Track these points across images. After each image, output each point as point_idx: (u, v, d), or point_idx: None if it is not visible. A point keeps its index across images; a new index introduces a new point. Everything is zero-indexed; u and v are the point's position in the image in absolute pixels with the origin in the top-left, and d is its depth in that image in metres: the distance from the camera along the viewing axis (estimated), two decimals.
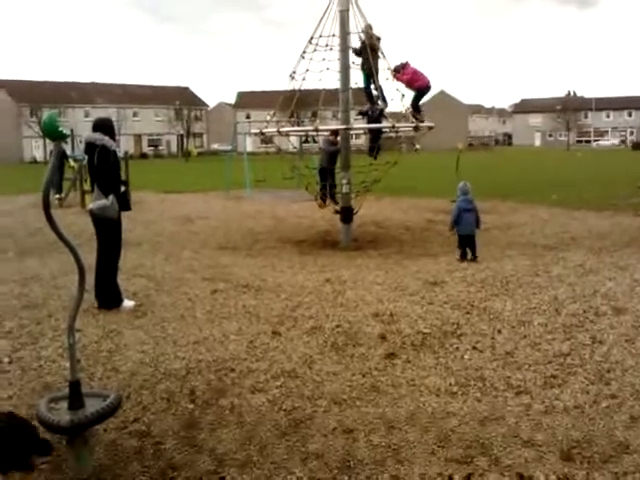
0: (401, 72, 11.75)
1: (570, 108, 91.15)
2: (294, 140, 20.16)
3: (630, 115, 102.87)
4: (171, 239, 12.48)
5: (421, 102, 12.16)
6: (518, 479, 3.47)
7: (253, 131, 13.88)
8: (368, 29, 11.63)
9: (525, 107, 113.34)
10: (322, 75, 11.86)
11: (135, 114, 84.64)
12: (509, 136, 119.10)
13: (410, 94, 11.92)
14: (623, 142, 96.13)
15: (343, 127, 11.93)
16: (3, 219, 15.80)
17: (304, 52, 11.87)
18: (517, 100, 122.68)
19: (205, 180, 31.15)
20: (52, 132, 3.64)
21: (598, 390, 4.57)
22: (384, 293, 7.43)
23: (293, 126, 16.64)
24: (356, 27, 11.76)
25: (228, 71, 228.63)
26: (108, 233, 7.11)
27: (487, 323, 6.17)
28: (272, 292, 7.63)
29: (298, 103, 13.09)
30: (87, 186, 18.09)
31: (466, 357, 5.34)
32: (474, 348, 5.54)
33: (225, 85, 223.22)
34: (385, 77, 11.93)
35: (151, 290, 7.84)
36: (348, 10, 11.59)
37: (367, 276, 8.43)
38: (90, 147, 7.02)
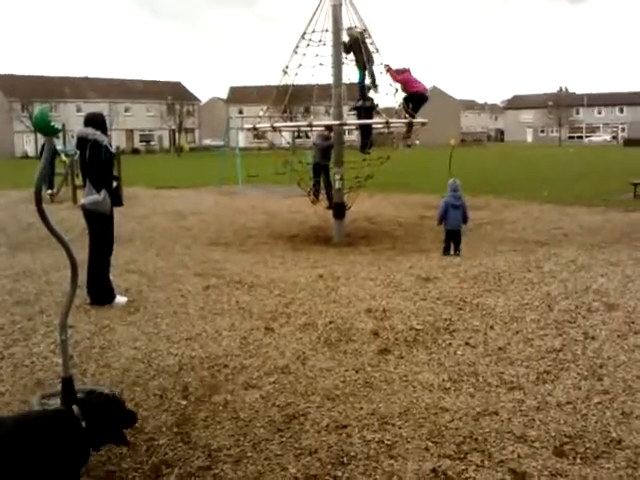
0: (399, 73, 11.85)
1: (562, 104, 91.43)
2: (287, 135, 20.16)
3: (622, 111, 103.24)
4: (163, 234, 12.45)
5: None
6: (511, 475, 3.48)
7: (246, 126, 13.88)
8: (352, 31, 11.69)
9: (517, 103, 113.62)
10: (315, 70, 11.88)
11: (127, 109, 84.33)
12: (501, 132, 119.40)
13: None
14: (615, 138, 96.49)
15: (337, 123, 11.93)
16: None
17: (297, 47, 11.86)
18: (509, 96, 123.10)
19: (197, 175, 31.06)
20: (44, 127, 3.62)
21: (590, 386, 4.59)
22: (377, 289, 7.44)
23: (286, 121, 16.61)
24: (349, 22, 11.77)
25: (220, 66, 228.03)
26: (100, 229, 7.08)
27: (480, 319, 6.18)
28: (265, 288, 7.62)
29: (291, 98, 13.09)
30: (79, 181, 18.03)
31: (459, 353, 5.35)
32: (467, 344, 5.55)
33: (217, 80, 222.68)
34: (379, 71, 11.98)
35: (143, 286, 7.81)
36: (341, 5, 11.59)
37: (360, 272, 8.43)
38: (82, 142, 6.98)
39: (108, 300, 6.98)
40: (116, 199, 7.19)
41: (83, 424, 3.03)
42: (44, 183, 17.12)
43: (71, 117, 58.33)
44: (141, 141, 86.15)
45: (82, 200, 7.27)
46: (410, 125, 12.10)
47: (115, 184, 7.21)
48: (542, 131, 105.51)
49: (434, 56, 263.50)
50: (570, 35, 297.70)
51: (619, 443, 3.76)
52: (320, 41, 11.81)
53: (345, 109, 12.50)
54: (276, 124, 12.59)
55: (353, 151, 13.89)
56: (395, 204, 17.48)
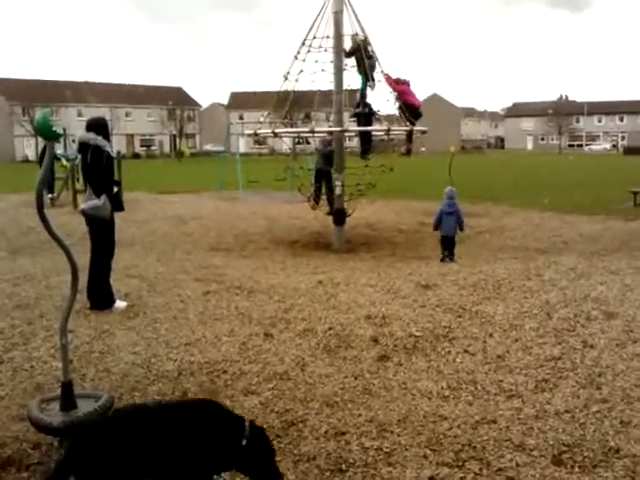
0: (399, 83, 11.93)
1: (562, 112, 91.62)
2: (287, 141, 20.18)
3: (622, 120, 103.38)
4: (164, 240, 12.46)
5: None
6: None
7: (247, 132, 13.89)
8: (355, 38, 11.74)
9: (517, 111, 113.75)
10: (316, 77, 11.91)
11: (128, 114, 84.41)
12: (501, 139, 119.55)
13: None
14: (615, 146, 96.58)
15: (339, 129, 11.95)
16: None
17: (298, 53, 11.90)
18: (509, 104, 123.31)
19: (198, 181, 31.10)
20: (46, 131, 3.63)
21: (589, 394, 4.59)
22: (377, 296, 7.44)
23: (286, 127, 16.64)
24: (350, 29, 11.81)
25: (221, 72, 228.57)
26: (101, 233, 7.09)
27: (479, 327, 6.19)
28: (265, 294, 7.63)
29: (291, 104, 13.13)
30: (79, 186, 18.05)
31: (458, 360, 5.35)
32: (466, 351, 5.55)
33: (218, 86, 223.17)
34: (377, 79, 12.03)
35: (143, 291, 7.82)
36: (342, 12, 11.63)
37: (360, 278, 8.43)
38: (83, 147, 7.00)
39: (108, 305, 6.99)
40: (117, 204, 7.20)
41: (243, 442, 3.01)
42: (45, 188, 17.14)
43: (72, 121, 58.34)
44: (142, 146, 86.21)
45: (82, 205, 7.28)
46: (410, 133, 12.14)
47: (116, 189, 7.22)
48: (542, 139, 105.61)
49: (435, 63, 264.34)
50: (571, 43, 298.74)
51: (617, 452, 3.76)
52: (320, 47, 11.85)
53: (346, 115, 12.52)
54: (277, 130, 12.61)
55: (354, 157, 13.90)
56: (396, 211, 17.49)
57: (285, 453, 3.84)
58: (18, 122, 71.87)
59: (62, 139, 23.36)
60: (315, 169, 14.66)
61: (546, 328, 6.08)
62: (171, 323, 6.48)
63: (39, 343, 5.86)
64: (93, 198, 6.93)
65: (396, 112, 12.29)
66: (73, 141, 27.55)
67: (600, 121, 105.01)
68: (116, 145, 66.88)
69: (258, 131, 12.81)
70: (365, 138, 12.95)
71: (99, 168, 6.89)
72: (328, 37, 11.76)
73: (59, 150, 21.69)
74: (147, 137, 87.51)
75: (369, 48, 11.89)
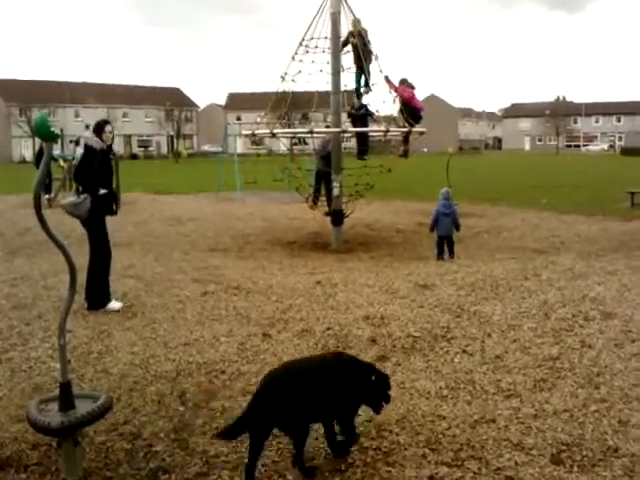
0: (403, 87, 11.92)
1: (559, 113, 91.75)
2: (285, 142, 20.19)
3: (619, 120, 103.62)
4: (161, 240, 12.44)
5: None
6: None
7: (245, 132, 13.87)
8: (356, 23, 11.70)
9: (515, 111, 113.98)
10: (313, 77, 11.91)
11: (125, 114, 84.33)
12: (499, 140, 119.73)
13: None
14: (612, 147, 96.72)
15: (337, 130, 11.94)
16: None
17: (295, 54, 11.90)
18: (507, 104, 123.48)
19: (195, 181, 31.09)
20: (44, 132, 3.62)
21: (587, 394, 4.60)
22: (375, 296, 7.44)
23: (284, 128, 16.64)
24: (348, 29, 11.81)
25: (219, 72, 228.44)
26: (91, 233, 7.11)
27: (477, 327, 6.19)
28: (263, 294, 7.63)
29: (289, 105, 13.13)
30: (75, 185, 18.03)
31: (456, 360, 5.36)
32: (464, 351, 5.55)
33: (216, 86, 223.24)
34: (373, 83, 12.03)
35: (141, 291, 7.81)
36: (340, 13, 11.63)
37: (358, 279, 8.43)
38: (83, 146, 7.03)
39: (101, 304, 6.98)
40: (105, 206, 7.13)
41: (373, 378, 3.80)
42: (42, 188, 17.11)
43: (69, 122, 58.43)
44: (139, 147, 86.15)
45: (62, 200, 7.31)
46: (407, 134, 12.14)
47: (104, 191, 7.05)
48: (540, 140, 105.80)
49: (432, 64, 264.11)
50: (568, 44, 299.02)
51: (616, 451, 3.77)
52: (317, 47, 11.85)
53: (343, 116, 12.52)
54: (274, 130, 12.60)
55: (352, 158, 13.90)
56: (394, 211, 17.50)
57: (284, 453, 3.84)
58: (15, 123, 71.82)
59: (59, 140, 23.36)
60: (315, 170, 14.64)
61: (544, 328, 6.09)
62: (169, 323, 6.48)
63: (37, 344, 5.85)
64: (74, 195, 6.97)
65: (393, 113, 12.31)
66: (70, 142, 27.55)
67: (597, 122, 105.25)
68: (114, 146, 66.88)
69: (256, 131, 12.81)
70: (362, 139, 12.95)
71: (86, 166, 6.91)
72: (326, 38, 11.77)
73: (56, 151, 21.69)
74: (144, 138, 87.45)
75: (367, 38, 11.85)
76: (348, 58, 12.05)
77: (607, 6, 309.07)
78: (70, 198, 6.93)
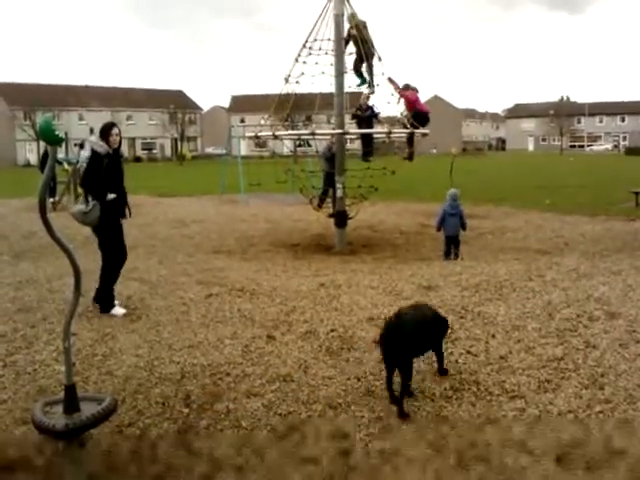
0: (408, 91, 11.94)
1: (563, 113, 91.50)
2: (288, 144, 20.20)
3: (623, 120, 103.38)
4: (165, 242, 12.46)
5: None
6: None
7: (248, 134, 13.89)
8: (351, 17, 11.71)
9: (518, 112, 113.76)
10: (316, 79, 11.91)
11: (129, 117, 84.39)
12: (503, 141, 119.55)
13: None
14: (616, 147, 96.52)
15: (340, 132, 11.95)
16: None
17: (299, 56, 11.91)
18: (510, 105, 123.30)
19: (199, 184, 31.12)
20: (48, 136, 3.63)
21: (592, 395, 4.59)
22: (379, 297, 7.44)
23: (287, 130, 16.65)
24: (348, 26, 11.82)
25: (222, 75, 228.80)
26: (100, 239, 7.10)
27: (481, 327, 6.19)
28: (267, 296, 7.63)
29: (292, 107, 13.13)
30: (81, 190, 18.07)
31: (460, 361, 5.35)
32: (468, 352, 5.55)
33: (219, 89, 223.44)
34: (377, 83, 12.03)
35: (145, 294, 7.83)
36: (343, 15, 11.64)
37: (361, 280, 8.43)
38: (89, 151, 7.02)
39: (105, 309, 6.99)
40: (117, 211, 7.11)
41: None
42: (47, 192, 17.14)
43: (73, 125, 58.50)
44: (143, 149, 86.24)
45: (72, 209, 7.26)
46: (411, 137, 12.13)
47: (113, 196, 7.02)
48: (543, 140, 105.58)
49: (436, 65, 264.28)
50: (571, 44, 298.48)
51: (621, 452, 3.76)
52: (320, 49, 11.86)
53: (347, 118, 12.53)
54: (277, 132, 12.61)
55: (356, 160, 13.91)
56: (397, 212, 17.50)
57: (288, 455, 3.85)
58: (20, 126, 71.88)
59: (63, 143, 23.39)
60: (324, 172, 14.63)
61: (548, 329, 6.08)
62: (173, 326, 6.49)
63: (42, 346, 5.86)
64: (83, 202, 6.92)
65: (397, 114, 12.31)
66: (74, 145, 27.60)
67: (601, 122, 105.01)
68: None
69: (259, 133, 12.82)
70: (367, 140, 12.96)
71: (92, 171, 6.87)
72: (329, 40, 11.78)
73: (61, 154, 21.73)
74: (148, 140, 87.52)
75: (365, 31, 11.84)
76: (352, 60, 12.06)
77: (609, 5, 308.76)
78: (79, 206, 6.89)
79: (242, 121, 74.65)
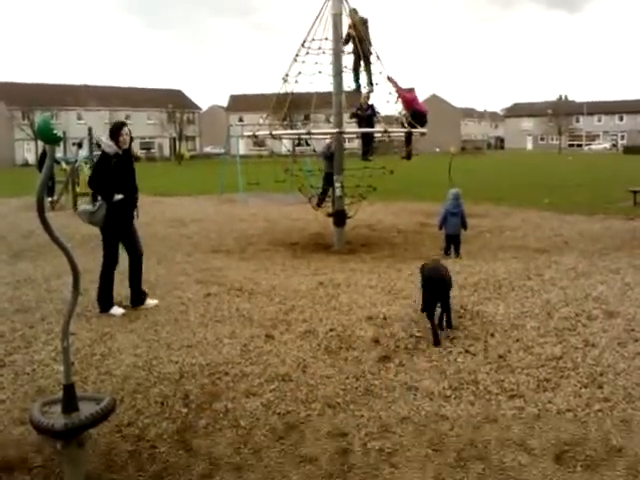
0: (406, 92, 11.96)
1: (562, 112, 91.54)
2: (287, 143, 20.18)
3: (621, 119, 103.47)
4: (164, 242, 12.44)
5: None
6: None
7: (247, 134, 13.86)
8: (353, 13, 11.69)
9: (517, 111, 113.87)
10: (315, 78, 11.89)
11: (127, 117, 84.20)
12: (501, 140, 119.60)
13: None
14: (614, 146, 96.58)
15: (337, 131, 11.93)
16: None
17: (297, 55, 11.89)
18: (509, 104, 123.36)
19: (198, 183, 31.11)
20: (47, 135, 3.62)
21: (591, 393, 4.59)
22: (377, 296, 7.45)
23: (286, 129, 16.64)
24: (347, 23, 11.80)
25: (220, 74, 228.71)
26: (106, 239, 7.10)
27: (480, 326, 6.19)
28: (265, 295, 7.63)
29: (291, 106, 13.12)
30: (79, 189, 18.08)
31: (459, 360, 5.36)
32: (467, 351, 5.55)
33: (218, 88, 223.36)
34: (376, 82, 12.02)
35: None
36: (341, 14, 11.62)
37: (360, 279, 8.44)
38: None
39: (104, 309, 6.99)
40: (124, 212, 7.06)
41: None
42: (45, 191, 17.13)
43: (71, 125, 58.44)
44: (142, 149, 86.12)
45: (79, 208, 7.27)
46: (409, 136, 12.13)
47: (120, 196, 6.93)
48: (542, 139, 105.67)
49: (434, 64, 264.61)
50: (569, 44, 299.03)
51: (619, 451, 3.77)
52: (319, 49, 11.83)
53: (345, 117, 12.51)
54: (275, 131, 12.59)
55: (354, 159, 13.90)
56: (395, 212, 17.49)
57: (287, 455, 3.85)
58: (18, 126, 71.88)
59: (62, 142, 23.37)
60: (324, 172, 14.62)
61: (547, 327, 6.09)
62: (172, 325, 6.49)
63: (40, 346, 5.86)
64: (90, 202, 6.93)
65: (395, 113, 12.30)
66: (73, 144, 27.59)
67: (600, 121, 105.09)
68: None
69: (257, 133, 12.80)
70: (367, 139, 12.96)
71: (100, 171, 6.87)
72: (327, 39, 11.76)
73: (59, 154, 21.71)
74: (147, 140, 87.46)
75: (365, 27, 11.83)
76: (350, 59, 12.05)
77: (607, 4, 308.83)
78: (85, 206, 6.91)
79: (241, 120, 74.76)
